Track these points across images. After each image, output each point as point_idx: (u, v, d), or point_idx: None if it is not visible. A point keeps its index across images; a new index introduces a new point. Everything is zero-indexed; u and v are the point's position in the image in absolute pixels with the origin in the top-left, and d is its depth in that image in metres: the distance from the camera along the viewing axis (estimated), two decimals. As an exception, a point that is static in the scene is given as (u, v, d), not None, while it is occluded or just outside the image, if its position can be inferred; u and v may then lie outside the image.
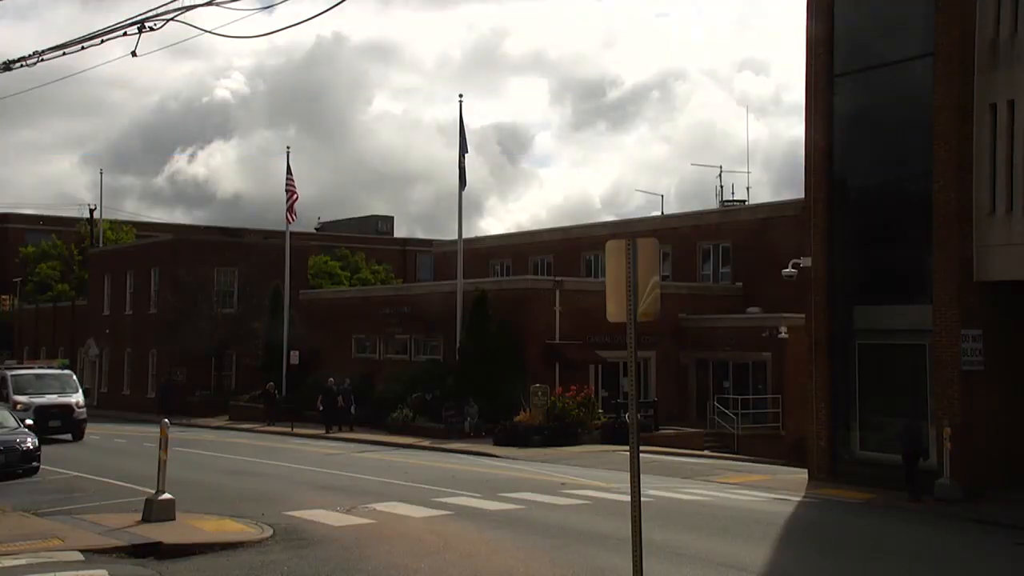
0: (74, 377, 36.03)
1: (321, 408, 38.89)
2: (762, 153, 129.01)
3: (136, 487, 20.01)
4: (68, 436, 33.01)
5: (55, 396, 33.21)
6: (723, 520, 17.08)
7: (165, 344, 51.25)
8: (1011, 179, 20.34)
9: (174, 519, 15.39)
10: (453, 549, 13.89)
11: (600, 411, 34.88)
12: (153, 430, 25.49)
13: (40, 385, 33.81)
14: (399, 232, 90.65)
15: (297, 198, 45.88)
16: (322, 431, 37.87)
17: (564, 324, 37.68)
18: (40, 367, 36.41)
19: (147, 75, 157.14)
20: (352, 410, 38.67)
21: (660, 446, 32.23)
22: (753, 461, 30.23)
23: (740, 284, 43.68)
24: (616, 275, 10.60)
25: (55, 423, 32.37)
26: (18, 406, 30.71)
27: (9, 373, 34.54)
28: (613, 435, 32.25)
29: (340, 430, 37.70)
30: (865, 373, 22.82)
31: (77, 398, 33.95)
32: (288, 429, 39.55)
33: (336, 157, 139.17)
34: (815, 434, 23.32)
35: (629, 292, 10.45)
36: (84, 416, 33.97)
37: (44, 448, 24.54)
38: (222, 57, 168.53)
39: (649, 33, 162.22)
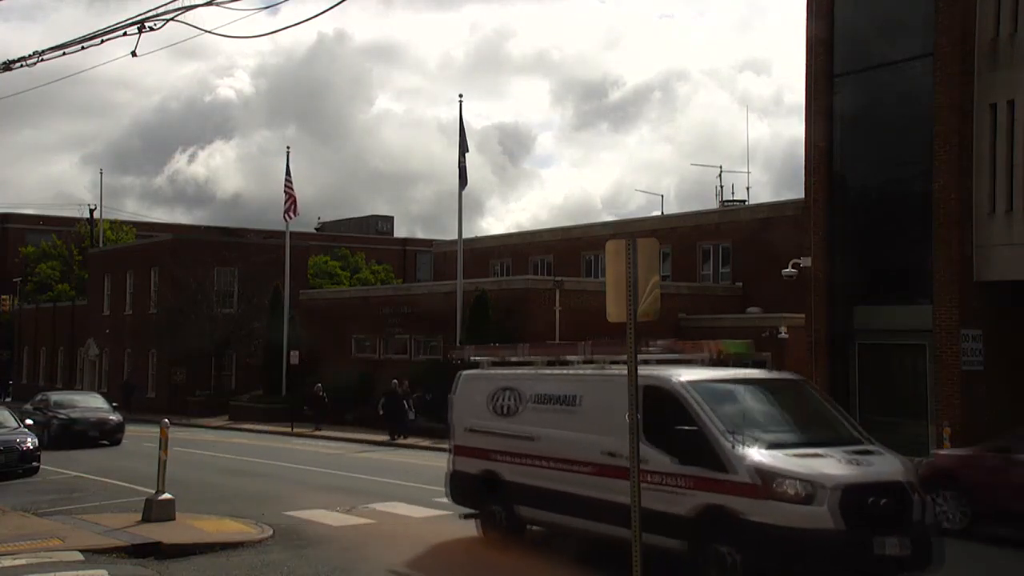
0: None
1: (382, 412, 35.32)
2: (763, 153, 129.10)
3: (136, 487, 20.03)
4: None
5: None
6: (723, 520, 16.99)
7: (165, 344, 51.23)
8: (1011, 179, 20.35)
9: (174, 519, 15.38)
10: (453, 549, 13.88)
11: (600, 411, 34.72)
12: (153, 430, 25.50)
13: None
14: (399, 232, 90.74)
15: (294, 200, 45.85)
16: (352, 435, 35.73)
17: (564, 324, 37.65)
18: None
19: (152, 76, 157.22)
20: (412, 415, 35.45)
21: (660, 446, 32.11)
22: (753, 461, 30.13)
23: (740, 284, 43.64)
24: (616, 275, 10.59)
25: None
26: None
27: (695, 395, 11.83)
28: (613, 435, 32.13)
29: (400, 437, 34.38)
30: (865, 373, 22.81)
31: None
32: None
33: (337, 157, 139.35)
34: (815, 434, 23.28)
35: (629, 292, 10.44)
36: None
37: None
38: (225, 57, 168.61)
39: (651, 34, 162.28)
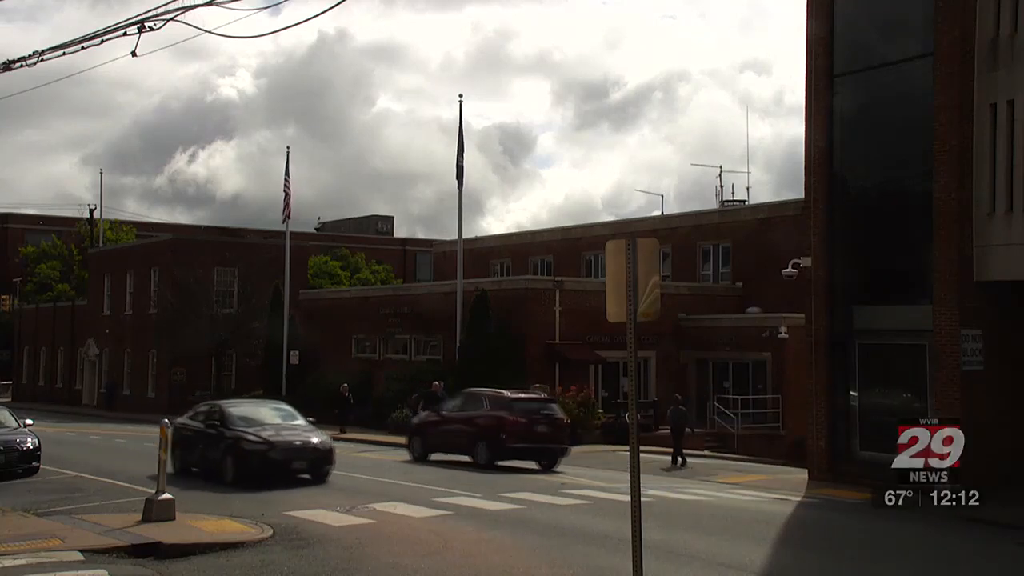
0: None
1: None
2: (763, 153, 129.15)
3: (136, 487, 20.03)
4: None
5: None
6: (723, 520, 17.08)
7: (165, 344, 51.25)
8: (1011, 179, 20.34)
9: (174, 519, 15.37)
10: (453, 549, 13.88)
11: (600, 411, 34.90)
12: (153, 430, 25.46)
13: None
14: (399, 232, 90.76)
15: (289, 201, 45.77)
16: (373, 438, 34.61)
17: (564, 324, 37.67)
18: None
19: (152, 76, 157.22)
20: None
21: (660, 446, 32.21)
22: (753, 461, 30.24)
23: (740, 284, 43.69)
24: (616, 275, 10.59)
25: None
26: None
27: None
28: (613, 435, 32.24)
29: None
30: (865, 373, 22.81)
31: None
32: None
33: (337, 157, 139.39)
34: (815, 434, 23.31)
35: (629, 292, 10.44)
36: None
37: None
38: (226, 57, 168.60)
39: (653, 35, 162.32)
